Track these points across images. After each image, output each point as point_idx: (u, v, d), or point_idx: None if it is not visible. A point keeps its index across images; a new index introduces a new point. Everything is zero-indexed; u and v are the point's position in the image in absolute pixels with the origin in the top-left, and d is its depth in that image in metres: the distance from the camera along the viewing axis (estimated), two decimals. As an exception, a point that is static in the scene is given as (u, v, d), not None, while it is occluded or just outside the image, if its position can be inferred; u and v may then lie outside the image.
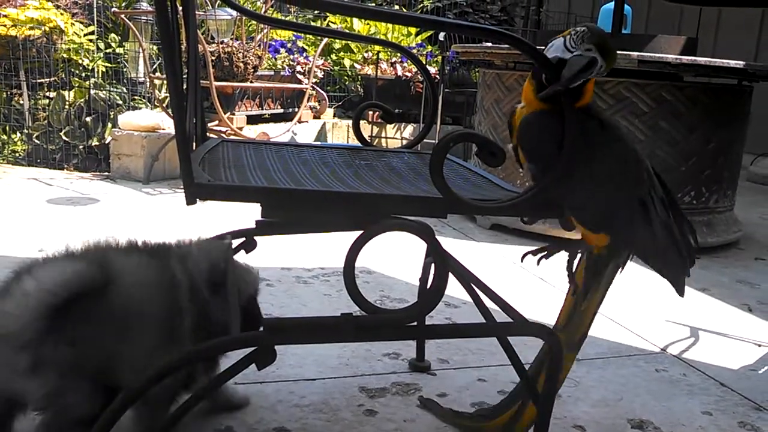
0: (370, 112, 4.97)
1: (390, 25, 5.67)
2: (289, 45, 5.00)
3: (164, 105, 3.92)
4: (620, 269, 1.19)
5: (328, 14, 5.65)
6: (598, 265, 1.17)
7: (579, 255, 1.22)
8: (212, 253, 1.21)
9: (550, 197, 1.08)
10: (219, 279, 1.19)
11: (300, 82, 4.73)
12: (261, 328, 1.11)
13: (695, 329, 2.10)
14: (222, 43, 3.96)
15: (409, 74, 5.26)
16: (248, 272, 1.28)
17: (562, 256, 1.25)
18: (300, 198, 1.04)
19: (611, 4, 4.01)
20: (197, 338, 1.15)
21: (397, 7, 6.62)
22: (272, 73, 4.74)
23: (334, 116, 5.26)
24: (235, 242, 1.38)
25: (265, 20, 3.86)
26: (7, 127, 4.26)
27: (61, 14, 4.40)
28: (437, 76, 4.76)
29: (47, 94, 4.36)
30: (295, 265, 2.39)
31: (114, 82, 4.52)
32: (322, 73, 5.20)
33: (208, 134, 1.65)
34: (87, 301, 1.07)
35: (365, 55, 5.57)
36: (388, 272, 2.39)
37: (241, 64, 3.97)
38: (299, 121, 4.48)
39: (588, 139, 1.06)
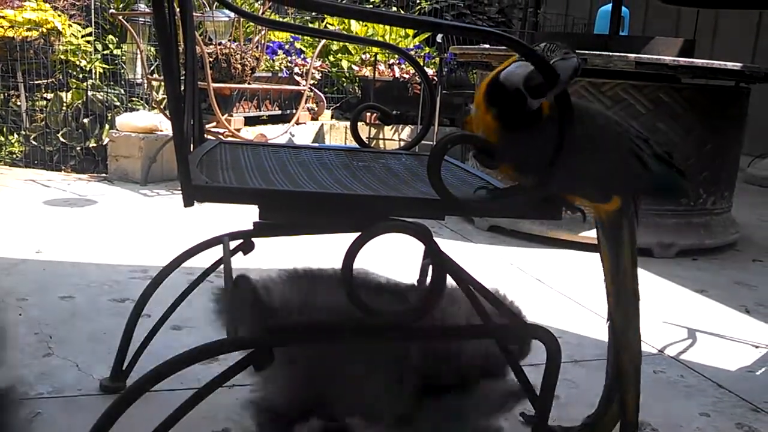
0: (368, 114, 4.97)
1: (388, 27, 5.68)
2: (286, 46, 5.00)
3: (162, 106, 3.91)
4: (636, 222, 1.23)
5: (325, 16, 5.65)
6: (614, 228, 1.21)
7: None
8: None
9: (550, 194, 1.09)
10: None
11: (298, 83, 4.73)
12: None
13: (693, 331, 2.10)
14: (220, 44, 3.96)
15: (407, 76, 5.26)
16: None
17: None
18: (298, 200, 1.04)
19: (609, 6, 4.02)
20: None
21: (394, 8, 6.62)
22: (270, 74, 4.73)
23: (332, 118, 5.26)
24: (233, 244, 1.38)
25: (263, 22, 3.86)
26: (5, 129, 4.25)
27: (59, 15, 4.39)
28: (435, 78, 4.76)
29: (45, 95, 4.35)
30: (293, 267, 2.39)
31: (111, 83, 4.51)
32: (320, 74, 5.20)
33: (205, 136, 1.65)
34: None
35: (363, 56, 5.57)
36: (386, 274, 2.38)
37: (239, 66, 3.97)
38: (297, 123, 4.48)
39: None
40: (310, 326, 1.10)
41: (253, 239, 1.39)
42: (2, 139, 4.22)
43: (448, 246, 2.83)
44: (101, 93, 4.30)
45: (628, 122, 1.24)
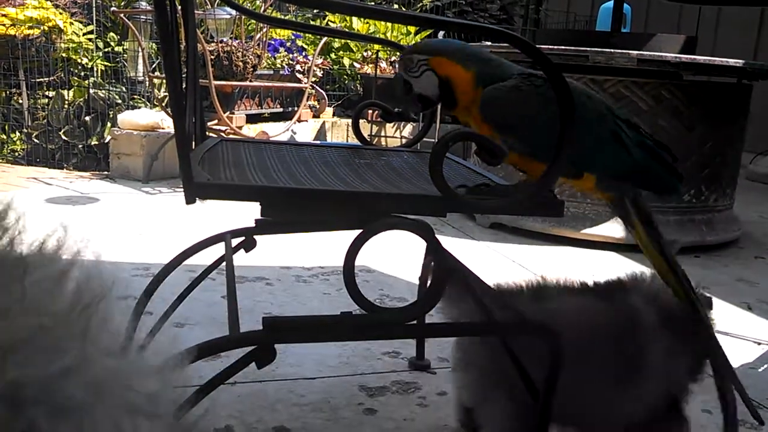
0: (370, 111, 4.96)
1: (389, 24, 5.67)
2: (288, 44, 5.00)
3: (163, 104, 3.92)
4: (638, 197, 1.24)
5: (327, 13, 5.65)
6: (619, 209, 1.24)
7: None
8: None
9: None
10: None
11: (299, 81, 4.72)
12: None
13: (695, 328, 2.10)
14: (221, 42, 3.96)
15: (408, 73, 5.25)
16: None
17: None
18: (299, 197, 1.04)
19: (611, 3, 4.01)
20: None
21: (396, 6, 6.62)
22: (271, 72, 4.73)
23: (334, 115, 5.26)
24: (235, 241, 1.38)
25: (265, 19, 3.86)
26: (7, 127, 4.26)
27: (60, 13, 4.39)
28: (437, 75, 4.75)
29: (46, 93, 4.36)
30: (295, 264, 2.39)
31: (113, 81, 4.52)
32: (322, 72, 5.19)
33: (207, 133, 1.65)
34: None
35: (365, 54, 5.57)
36: (388, 271, 2.39)
37: (241, 63, 3.97)
38: (299, 120, 4.48)
39: (541, 99, 1.09)
40: (310, 323, 1.10)
41: (255, 236, 1.39)
42: (4, 137, 4.22)
43: (450, 243, 2.83)
44: (103, 91, 4.31)
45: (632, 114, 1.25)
